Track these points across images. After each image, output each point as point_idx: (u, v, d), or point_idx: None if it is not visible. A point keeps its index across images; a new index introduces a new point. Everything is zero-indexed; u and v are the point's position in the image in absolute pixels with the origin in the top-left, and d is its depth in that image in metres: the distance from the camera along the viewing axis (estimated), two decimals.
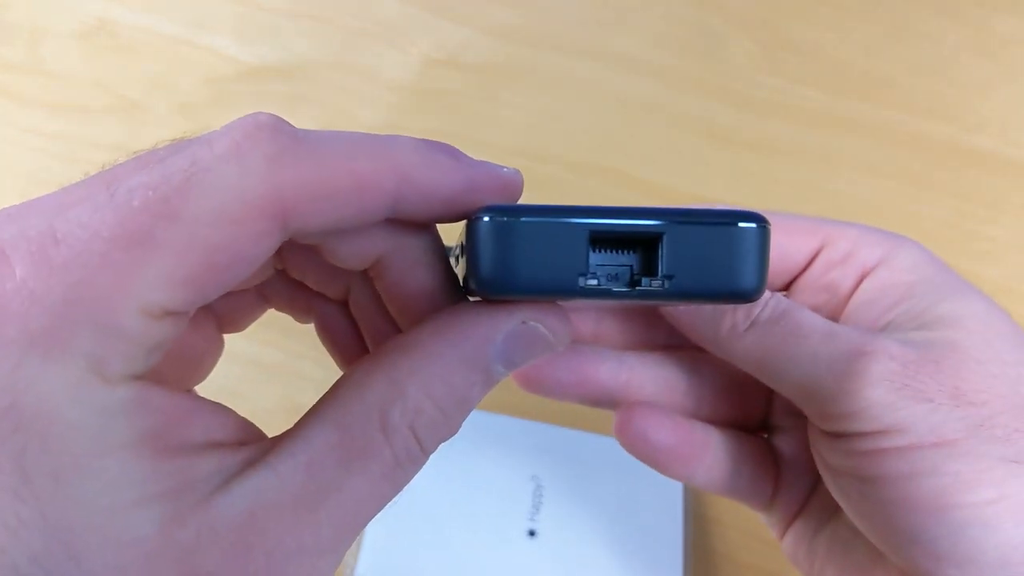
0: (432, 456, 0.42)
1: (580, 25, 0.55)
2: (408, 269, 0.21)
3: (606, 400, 0.28)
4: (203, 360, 0.24)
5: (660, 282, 0.18)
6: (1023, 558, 0.21)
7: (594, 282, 0.18)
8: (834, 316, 0.26)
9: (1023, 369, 0.23)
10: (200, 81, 0.52)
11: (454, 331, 0.19)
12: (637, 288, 0.18)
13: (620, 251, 0.18)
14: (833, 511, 0.27)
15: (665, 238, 0.18)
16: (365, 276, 0.22)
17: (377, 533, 0.37)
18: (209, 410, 0.18)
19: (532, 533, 0.37)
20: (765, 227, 0.18)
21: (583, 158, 0.51)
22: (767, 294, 0.24)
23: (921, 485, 0.21)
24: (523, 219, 0.18)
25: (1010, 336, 0.23)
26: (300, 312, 0.25)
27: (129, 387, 0.16)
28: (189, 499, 0.16)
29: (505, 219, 0.18)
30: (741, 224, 0.18)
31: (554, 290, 0.18)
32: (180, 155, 0.16)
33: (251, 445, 0.18)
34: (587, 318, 0.29)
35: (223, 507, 0.16)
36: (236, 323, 0.25)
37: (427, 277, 0.21)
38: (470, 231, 0.18)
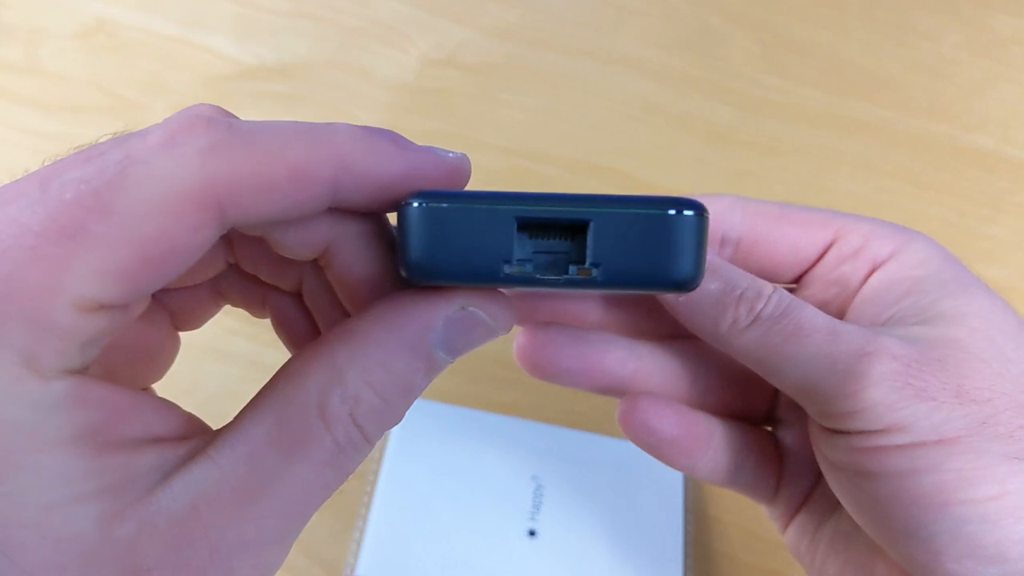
0: (431, 455, 0.42)
1: (580, 25, 0.55)
2: (355, 257, 0.21)
3: (613, 388, 0.28)
4: (157, 357, 0.24)
5: (588, 270, 0.18)
6: (1021, 554, 0.21)
7: (517, 269, 0.18)
8: (843, 309, 0.26)
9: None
10: (198, 81, 0.52)
11: (393, 317, 0.19)
12: (563, 276, 0.18)
13: (555, 238, 0.18)
14: (836, 505, 0.27)
15: (592, 225, 0.17)
16: (316, 266, 0.22)
17: (377, 533, 0.37)
18: (150, 405, 0.18)
19: (532, 533, 0.37)
20: (702, 215, 0.18)
21: (583, 158, 0.51)
22: (769, 288, 0.23)
23: (921, 481, 0.21)
24: (448, 204, 0.18)
25: (1014, 333, 0.23)
26: (255, 306, 0.25)
27: (65, 382, 0.16)
28: (128, 495, 0.16)
29: (432, 204, 0.18)
30: (672, 211, 0.17)
31: (479, 277, 0.18)
32: (116, 148, 0.16)
33: (193, 439, 0.18)
34: (594, 306, 0.29)
35: (164, 502, 0.16)
36: (191, 319, 0.25)
37: (374, 265, 0.21)
38: (399, 217, 0.18)
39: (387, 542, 0.37)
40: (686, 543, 0.38)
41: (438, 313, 0.19)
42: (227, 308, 0.26)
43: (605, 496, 0.39)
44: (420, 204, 0.18)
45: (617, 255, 0.17)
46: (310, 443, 0.18)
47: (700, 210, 0.18)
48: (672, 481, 0.40)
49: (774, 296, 0.23)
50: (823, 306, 0.27)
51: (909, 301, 0.24)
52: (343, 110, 0.51)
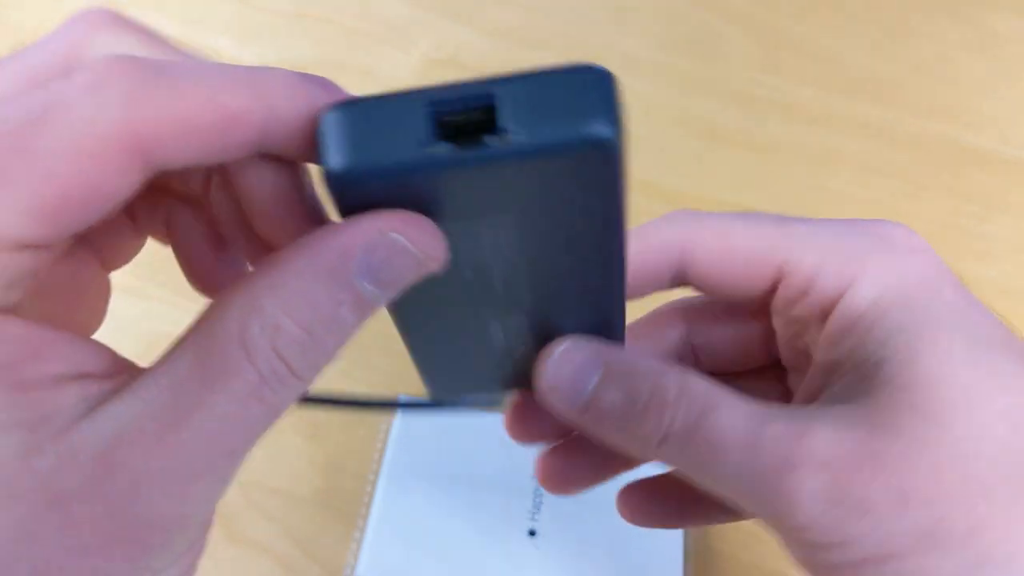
0: (432, 455, 0.42)
1: (580, 25, 0.55)
2: (282, 204, 0.20)
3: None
4: (87, 298, 0.23)
5: (498, 139, 0.17)
6: None
7: (436, 149, 0.17)
8: (807, 348, 0.24)
9: (972, 444, 0.20)
10: None
11: (312, 246, 0.18)
12: (481, 150, 0.17)
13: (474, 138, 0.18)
14: None
15: (498, 96, 0.17)
16: (224, 174, 0.21)
17: (377, 533, 0.37)
18: (76, 343, 0.18)
19: (532, 533, 0.37)
20: (608, 74, 0.17)
21: None
22: (674, 391, 0.21)
23: None
24: (363, 103, 0.18)
25: (961, 395, 0.20)
26: (158, 225, 0.24)
27: None
28: (49, 428, 0.16)
29: (349, 106, 0.18)
30: (576, 71, 0.17)
31: (402, 169, 0.17)
32: (42, 91, 0.16)
33: (121, 375, 0.18)
34: None
35: (86, 433, 0.16)
36: (115, 254, 0.24)
37: (301, 209, 0.20)
38: (317, 132, 0.18)
39: (387, 542, 0.37)
40: (686, 543, 0.38)
41: (357, 239, 0.18)
42: None
43: (605, 496, 0.39)
44: (337, 108, 0.18)
45: (526, 120, 0.17)
46: (231, 373, 0.17)
47: (607, 73, 0.17)
48: None
49: (681, 404, 0.21)
50: (793, 342, 0.25)
51: (854, 359, 0.22)
52: None
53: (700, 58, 0.54)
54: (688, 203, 0.49)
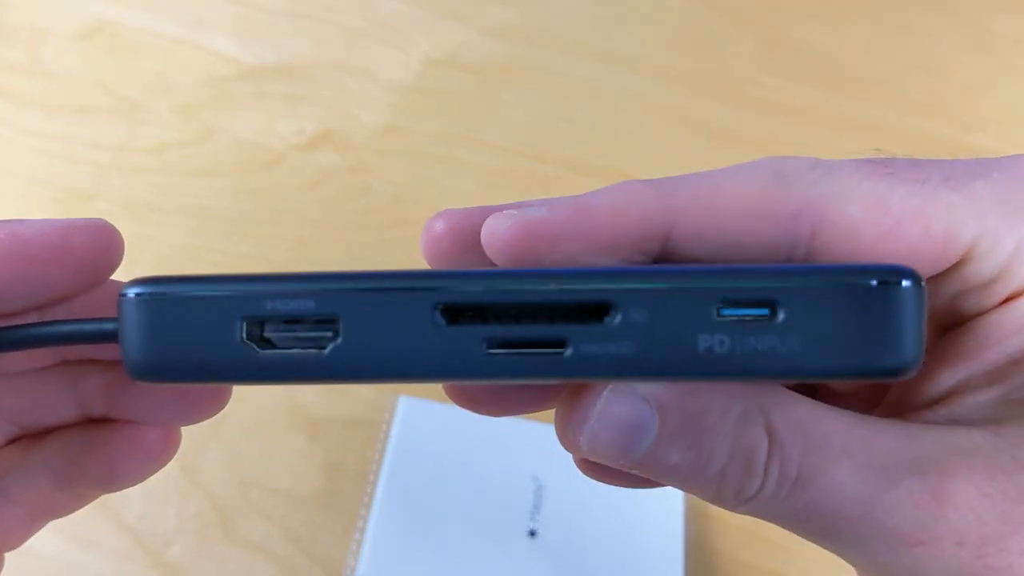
0: (432, 455, 0.42)
1: (580, 25, 0.55)
2: None
3: None
4: None
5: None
6: None
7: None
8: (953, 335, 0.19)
9: None
10: (200, 81, 0.52)
11: None
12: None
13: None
14: None
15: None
16: None
17: (378, 533, 0.37)
18: None
19: (532, 533, 0.37)
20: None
21: (583, 158, 0.51)
22: (764, 453, 0.16)
23: None
24: None
25: None
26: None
27: None
28: None
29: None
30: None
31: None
32: None
33: None
34: None
35: None
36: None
37: None
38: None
39: (387, 542, 0.37)
40: (686, 543, 0.38)
41: None
42: None
43: (605, 496, 0.39)
44: None
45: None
46: None
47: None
48: None
49: (774, 466, 0.16)
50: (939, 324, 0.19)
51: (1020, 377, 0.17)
52: (345, 110, 0.51)
53: (700, 58, 0.54)
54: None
